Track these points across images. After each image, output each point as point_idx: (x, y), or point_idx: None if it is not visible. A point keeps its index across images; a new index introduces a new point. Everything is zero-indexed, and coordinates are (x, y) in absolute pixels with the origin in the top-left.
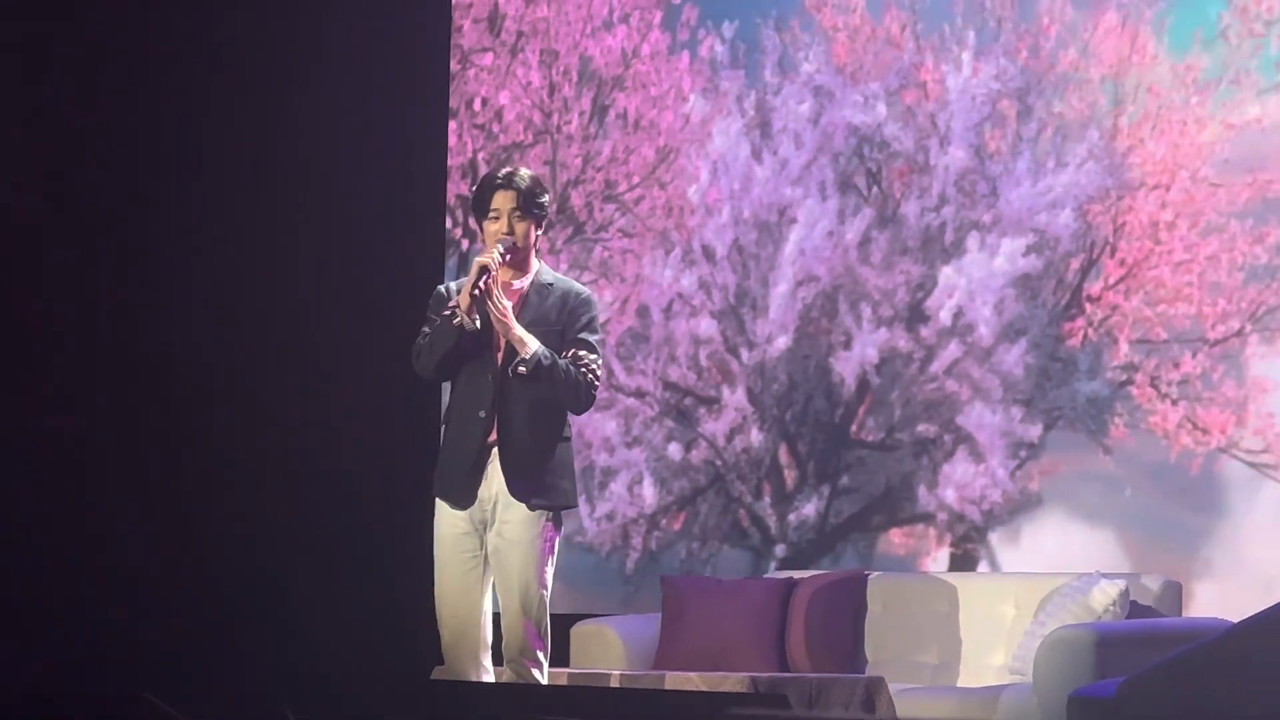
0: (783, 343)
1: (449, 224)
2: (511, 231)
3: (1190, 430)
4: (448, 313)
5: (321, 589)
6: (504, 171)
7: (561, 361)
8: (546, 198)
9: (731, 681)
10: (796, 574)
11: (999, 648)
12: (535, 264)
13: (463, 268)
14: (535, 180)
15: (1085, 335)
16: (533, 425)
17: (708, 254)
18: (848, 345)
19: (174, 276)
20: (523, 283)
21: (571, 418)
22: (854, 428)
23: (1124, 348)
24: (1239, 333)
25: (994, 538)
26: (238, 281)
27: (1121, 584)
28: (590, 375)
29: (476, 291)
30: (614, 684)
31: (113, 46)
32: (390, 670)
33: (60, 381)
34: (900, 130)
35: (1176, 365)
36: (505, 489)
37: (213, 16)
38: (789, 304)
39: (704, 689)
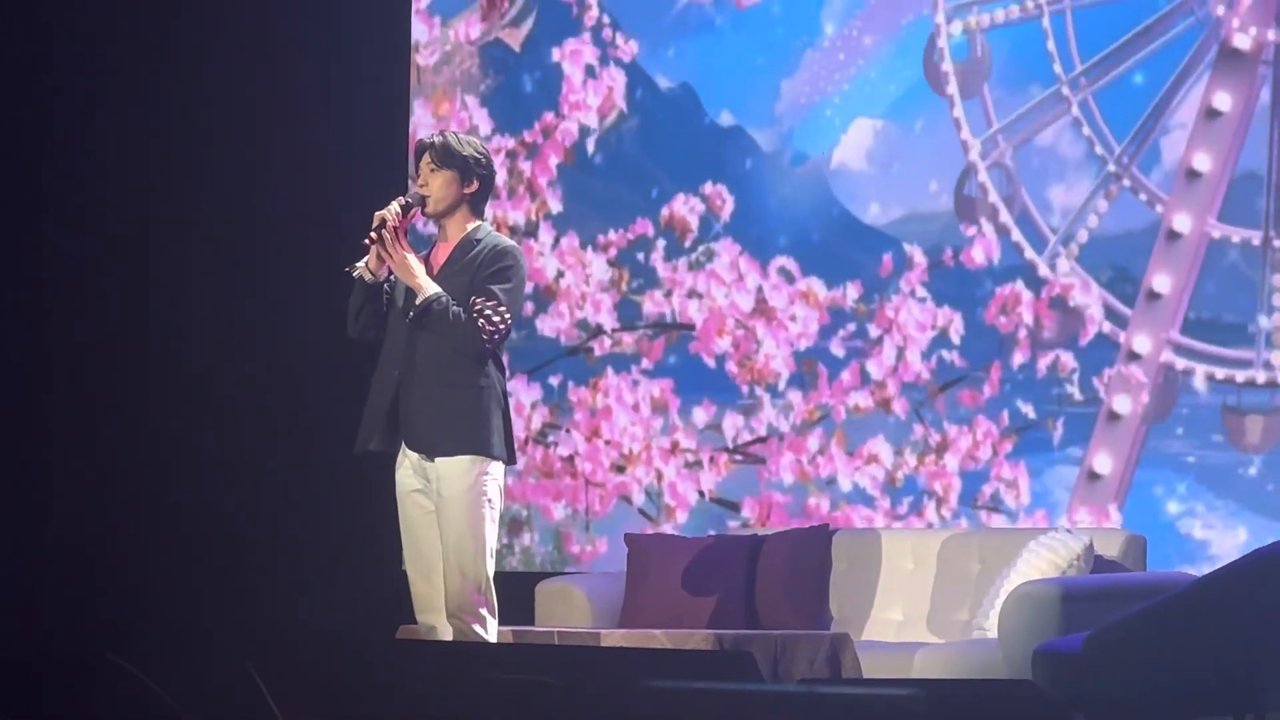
0: None
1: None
2: (426, 184)
3: None
4: (348, 269)
5: (287, 549)
6: (428, 138)
7: (455, 307)
8: (470, 150)
9: (696, 639)
10: (761, 530)
11: (964, 603)
12: (475, 222)
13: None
14: (455, 136)
15: None
16: (435, 374)
17: None
18: None
19: (139, 246)
20: (454, 239)
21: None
22: None
23: None
24: None
25: None
26: (198, 249)
27: (1086, 539)
28: (482, 320)
29: (368, 241)
30: (557, 641)
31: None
32: (355, 629)
33: (23, 350)
34: None
35: None
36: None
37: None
38: None
39: (669, 646)
